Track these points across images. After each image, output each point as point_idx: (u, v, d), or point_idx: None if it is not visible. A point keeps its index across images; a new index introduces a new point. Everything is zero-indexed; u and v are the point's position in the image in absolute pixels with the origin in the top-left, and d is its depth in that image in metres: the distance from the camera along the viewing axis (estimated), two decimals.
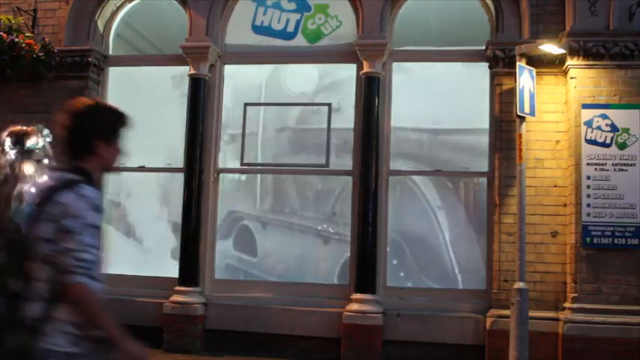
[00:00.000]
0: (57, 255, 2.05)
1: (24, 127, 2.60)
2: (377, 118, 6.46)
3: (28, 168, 2.53)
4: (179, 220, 6.73)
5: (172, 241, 7.02)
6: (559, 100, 6.10)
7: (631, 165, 5.78)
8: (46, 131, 2.64)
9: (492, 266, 6.08)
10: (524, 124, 5.80)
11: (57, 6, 7.12)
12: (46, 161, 2.65)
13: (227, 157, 7.11)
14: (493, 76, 6.33)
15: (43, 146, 2.62)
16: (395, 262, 6.56)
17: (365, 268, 6.24)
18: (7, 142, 2.54)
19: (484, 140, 6.44)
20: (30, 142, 2.57)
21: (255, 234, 7.05)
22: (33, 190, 2.47)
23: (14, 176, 2.48)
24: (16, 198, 2.44)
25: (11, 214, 2.43)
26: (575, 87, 5.94)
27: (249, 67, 7.13)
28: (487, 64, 6.36)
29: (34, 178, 2.52)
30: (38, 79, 6.90)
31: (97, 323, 2.11)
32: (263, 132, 7.11)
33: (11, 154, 2.52)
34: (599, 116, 5.85)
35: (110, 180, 7.31)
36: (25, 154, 2.55)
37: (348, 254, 6.47)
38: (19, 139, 2.56)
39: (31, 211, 2.44)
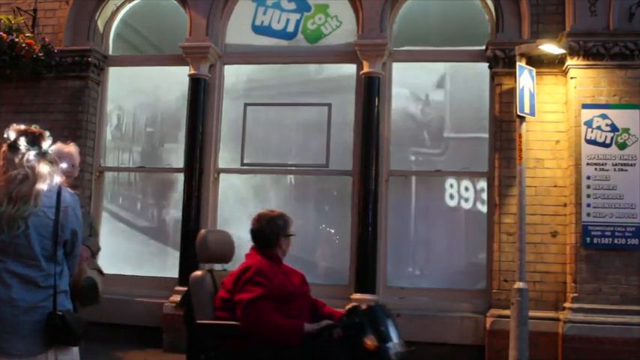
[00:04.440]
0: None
1: (32, 128, 2.62)
2: (377, 118, 6.47)
3: (45, 169, 2.55)
4: (179, 219, 6.74)
5: (173, 241, 7.02)
6: (559, 100, 6.10)
7: (631, 165, 5.78)
8: (47, 133, 2.66)
9: (492, 266, 6.08)
10: (524, 124, 5.80)
11: (57, 6, 7.12)
12: (64, 165, 2.70)
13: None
14: (493, 76, 6.33)
15: (53, 148, 2.65)
16: (395, 262, 6.55)
17: (365, 268, 6.24)
18: (23, 141, 2.55)
19: (484, 140, 6.44)
20: (45, 144, 2.60)
21: None
22: (47, 190, 2.50)
23: (34, 176, 2.50)
24: (33, 197, 2.46)
25: (24, 214, 2.44)
26: (575, 87, 5.94)
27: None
28: (487, 64, 6.36)
29: (50, 179, 2.55)
30: (38, 79, 6.91)
31: None
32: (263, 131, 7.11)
33: (30, 154, 2.54)
34: (599, 116, 5.85)
35: (108, 180, 7.32)
36: (42, 155, 2.57)
37: (348, 254, 6.47)
38: (35, 140, 2.58)
39: (40, 211, 2.46)
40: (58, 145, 3.89)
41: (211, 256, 3.93)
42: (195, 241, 6.53)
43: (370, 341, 3.52)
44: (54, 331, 2.45)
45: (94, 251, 4.07)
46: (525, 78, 5.84)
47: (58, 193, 2.55)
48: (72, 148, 4.04)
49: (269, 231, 3.81)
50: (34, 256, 2.46)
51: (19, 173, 2.47)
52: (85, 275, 3.84)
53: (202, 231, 4.02)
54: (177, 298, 6.47)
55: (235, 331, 3.53)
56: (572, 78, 5.96)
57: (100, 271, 4.11)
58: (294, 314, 3.63)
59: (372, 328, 3.58)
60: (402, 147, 6.70)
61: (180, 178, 6.83)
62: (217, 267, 4.17)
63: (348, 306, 3.88)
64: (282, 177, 7.02)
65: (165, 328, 6.38)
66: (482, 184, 6.47)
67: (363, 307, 3.79)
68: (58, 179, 2.59)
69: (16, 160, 2.51)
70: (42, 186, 2.50)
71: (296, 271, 4.00)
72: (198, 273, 3.87)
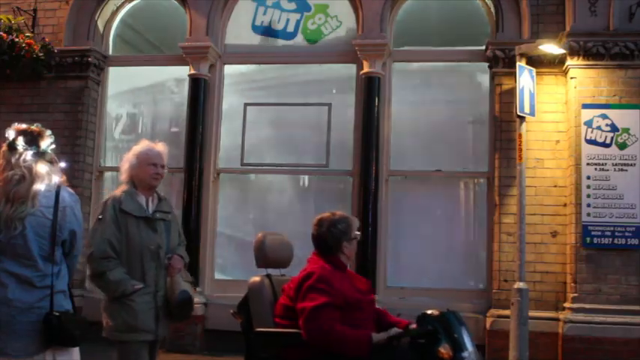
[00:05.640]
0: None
1: (32, 127, 2.60)
2: (377, 118, 6.46)
3: (43, 168, 2.53)
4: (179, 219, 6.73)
5: None
6: (559, 100, 6.10)
7: (631, 165, 5.78)
8: (48, 132, 2.64)
9: (492, 266, 6.08)
10: (524, 124, 5.80)
11: (57, 6, 7.13)
12: (62, 164, 2.67)
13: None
14: (493, 76, 6.33)
15: (53, 148, 2.62)
16: (395, 262, 6.55)
17: (365, 268, 6.24)
18: (21, 140, 2.53)
19: (484, 140, 6.44)
20: (44, 144, 2.58)
21: None
22: (44, 190, 2.48)
23: (31, 177, 2.48)
24: (31, 198, 2.45)
25: (21, 214, 2.43)
26: (575, 87, 5.93)
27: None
28: (487, 64, 6.36)
29: (48, 179, 2.53)
30: (38, 79, 6.91)
31: None
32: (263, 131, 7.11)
33: (28, 154, 2.51)
34: (599, 116, 5.85)
35: (108, 180, 7.32)
36: (40, 155, 2.55)
37: None
38: (33, 140, 2.56)
39: (38, 211, 2.45)
40: (148, 144, 3.62)
41: (269, 260, 3.71)
42: (193, 240, 6.63)
43: (445, 350, 3.22)
44: (50, 331, 2.44)
45: (186, 262, 3.65)
46: (525, 78, 5.84)
47: (57, 193, 2.54)
48: (162, 148, 3.67)
49: (330, 236, 3.52)
50: (31, 256, 2.45)
51: (15, 174, 2.46)
52: (180, 288, 3.43)
53: (260, 234, 3.78)
54: None
55: (297, 340, 3.30)
56: (572, 78, 5.96)
57: (193, 283, 3.72)
58: (360, 323, 3.37)
59: (446, 336, 3.28)
60: (401, 147, 6.69)
61: (180, 178, 6.82)
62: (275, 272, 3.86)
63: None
64: (282, 177, 7.02)
65: None
66: (483, 184, 6.47)
67: (435, 313, 3.45)
68: (56, 179, 2.57)
69: (13, 160, 2.49)
70: (39, 186, 2.48)
71: (361, 278, 3.79)
72: (256, 279, 3.66)
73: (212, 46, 6.77)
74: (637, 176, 5.76)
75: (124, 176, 3.58)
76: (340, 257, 3.55)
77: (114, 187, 7.32)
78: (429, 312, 3.45)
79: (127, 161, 3.56)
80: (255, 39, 7.05)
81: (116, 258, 3.31)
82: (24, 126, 2.58)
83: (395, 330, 3.35)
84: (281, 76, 7.21)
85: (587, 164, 5.81)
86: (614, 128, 5.83)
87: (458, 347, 3.25)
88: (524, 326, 5.46)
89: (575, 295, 5.68)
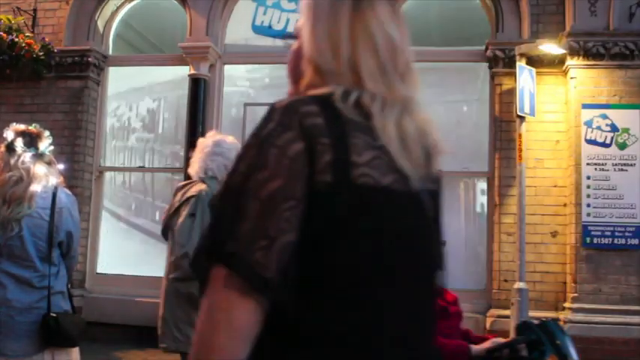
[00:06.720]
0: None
1: (30, 128, 2.61)
2: None
3: (40, 170, 2.54)
4: None
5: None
6: (559, 100, 6.11)
7: (631, 165, 5.78)
8: (47, 133, 2.65)
9: (492, 266, 6.08)
10: (524, 124, 5.80)
11: (57, 6, 7.12)
12: (61, 166, 2.68)
13: None
14: (493, 76, 6.33)
15: (52, 149, 2.63)
16: None
17: None
18: (19, 142, 2.54)
19: (484, 140, 6.44)
20: (43, 145, 2.58)
21: None
22: (41, 191, 2.49)
23: (29, 178, 2.48)
24: (27, 199, 2.45)
25: (18, 215, 2.44)
26: (575, 87, 5.94)
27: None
28: (487, 64, 6.36)
29: (45, 180, 2.54)
30: (38, 79, 6.91)
31: None
32: None
33: (26, 156, 2.52)
34: (599, 116, 5.85)
35: (108, 180, 7.33)
36: (38, 156, 2.56)
37: None
38: (32, 141, 2.57)
39: (35, 213, 2.46)
40: (232, 138, 3.38)
41: None
42: None
43: None
44: (48, 332, 2.44)
45: None
46: (525, 78, 5.84)
47: (54, 195, 2.54)
48: (235, 140, 3.40)
49: None
50: (28, 257, 2.46)
51: (13, 175, 2.47)
52: None
53: None
54: None
55: None
56: (572, 78, 5.96)
57: None
58: (448, 332, 3.14)
59: (552, 347, 3.02)
60: None
61: (181, 178, 6.82)
62: None
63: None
64: None
65: None
66: (483, 184, 6.47)
67: (535, 322, 3.18)
68: (54, 180, 2.58)
69: (12, 161, 2.50)
70: (36, 188, 2.49)
71: (449, 291, 3.57)
72: None
73: (212, 46, 6.77)
74: (637, 176, 5.76)
75: (206, 172, 3.22)
76: None
77: (114, 187, 7.36)
78: (529, 321, 3.26)
79: (222, 156, 3.22)
80: (255, 39, 7.04)
81: None
82: (22, 127, 2.59)
83: (493, 340, 3.14)
84: (281, 76, 7.15)
85: (587, 164, 5.81)
86: (614, 128, 5.83)
87: (563, 358, 3.03)
88: None
89: (575, 295, 5.68)
